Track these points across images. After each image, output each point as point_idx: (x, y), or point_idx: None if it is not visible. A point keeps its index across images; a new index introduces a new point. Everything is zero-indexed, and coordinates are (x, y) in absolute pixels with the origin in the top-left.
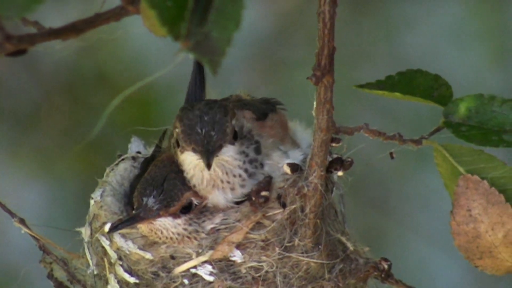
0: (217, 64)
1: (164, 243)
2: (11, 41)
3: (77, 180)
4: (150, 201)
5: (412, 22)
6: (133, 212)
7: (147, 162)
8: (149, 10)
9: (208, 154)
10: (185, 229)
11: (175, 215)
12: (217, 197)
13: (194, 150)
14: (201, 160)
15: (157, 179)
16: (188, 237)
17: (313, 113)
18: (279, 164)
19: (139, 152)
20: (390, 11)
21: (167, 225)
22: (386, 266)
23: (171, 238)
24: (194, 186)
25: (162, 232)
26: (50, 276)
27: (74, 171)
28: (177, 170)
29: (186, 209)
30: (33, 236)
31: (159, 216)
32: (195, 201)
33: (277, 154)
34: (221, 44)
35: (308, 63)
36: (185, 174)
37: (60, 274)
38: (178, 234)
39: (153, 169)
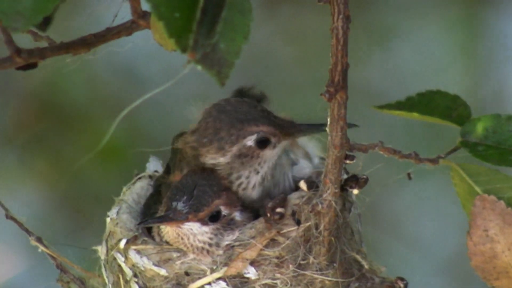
0: (224, 76)
1: (180, 255)
2: (21, 55)
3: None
4: (180, 205)
5: (405, 31)
6: (162, 214)
7: (160, 181)
8: (157, 22)
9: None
10: (210, 239)
11: (203, 222)
12: None
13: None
14: None
15: (188, 186)
16: (208, 251)
17: (327, 129)
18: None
19: (156, 171)
20: (383, 20)
21: (195, 231)
22: (402, 286)
23: (196, 247)
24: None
25: (188, 238)
26: None
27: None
28: (209, 178)
29: (214, 218)
30: (50, 255)
31: (188, 220)
32: (224, 211)
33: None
34: (229, 56)
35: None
36: None
37: None
38: (204, 243)
39: (184, 177)
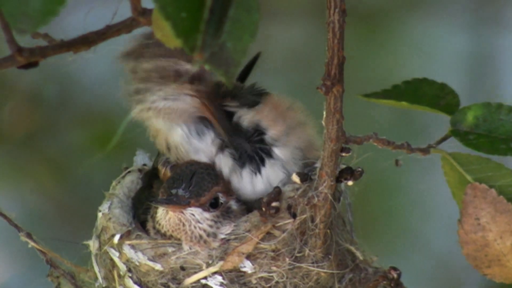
0: (232, 75)
1: (175, 249)
2: (22, 54)
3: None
4: (180, 192)
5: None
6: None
7: (149, 175)
8: (163, 22)
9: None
10: (210, 226)
11: (204, 207)
12: None
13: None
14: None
15: (186, 175)
16: (205, 241)
17: (323, 123)
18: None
19: (145, 165)
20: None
21: (197, 216)
22: (395, 275)
23: (195, 236)
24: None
25: (190, 225)
26: None
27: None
28: (206, 168)
29: (213, 205)
30: (40, 250)
31: (190, 205)
32: (221, 199)
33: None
34: (236, 55)
35: None
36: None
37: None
38: (204, 231)
39: (179, 168)
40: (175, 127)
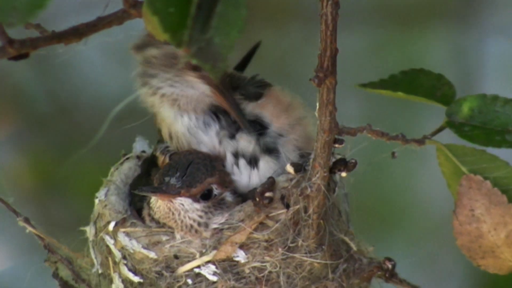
0: (219, 70)
1: (169, 238)
2: (13, 46)
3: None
4: (173, 180)
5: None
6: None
7: (148, 162)
8: (151, 16)
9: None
10: (200, 217)
11: (194, 198)
12: None
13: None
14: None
15: (182, 164)
16: (196, 230)
17: (316, 114)
18: None
19: (143, 152)
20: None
21: (186, 207)
22: (390, 266)
23: (185, 225)
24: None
25: (179, 214)
26: (55, 275)
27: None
28: (204, 158)
29: (205, 196)
30: (38, 235)
31: (180, 194)
32: (215, 191)
33: None
34: (223, 50)
35: None
36: None
37: (65, 273)
38: (193, 221)
39: (178, 156)
40: (181, 116)
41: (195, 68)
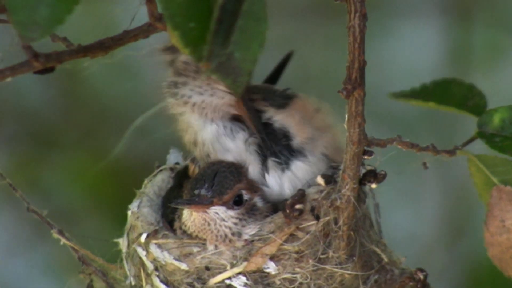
0: (240, 84)
1: (200, 249)
2: (38, 60)
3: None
4: (203, 191)
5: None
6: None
7: (180, 174)
8: (172, 31)
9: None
10: (235, 224)
11: (228, 205)
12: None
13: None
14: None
15: (208, 175)
16: (230, 240)
17: (345, 126)
18: None
19: (177, 163)
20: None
21: (221, 215)
22: (422, 277)
23: (220, 235)
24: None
25: (215, 224)
26: (90, 286)
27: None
28: (228, 166)
29: (237, 203)
30: (72, 247)
31: (213, 204)
32: (245, 196)
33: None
34: (245, 65)
35: None
36: None
37: (99, 285)
38: (229, 229)
39: (203, 169)
40: (209, 124)
41: None
